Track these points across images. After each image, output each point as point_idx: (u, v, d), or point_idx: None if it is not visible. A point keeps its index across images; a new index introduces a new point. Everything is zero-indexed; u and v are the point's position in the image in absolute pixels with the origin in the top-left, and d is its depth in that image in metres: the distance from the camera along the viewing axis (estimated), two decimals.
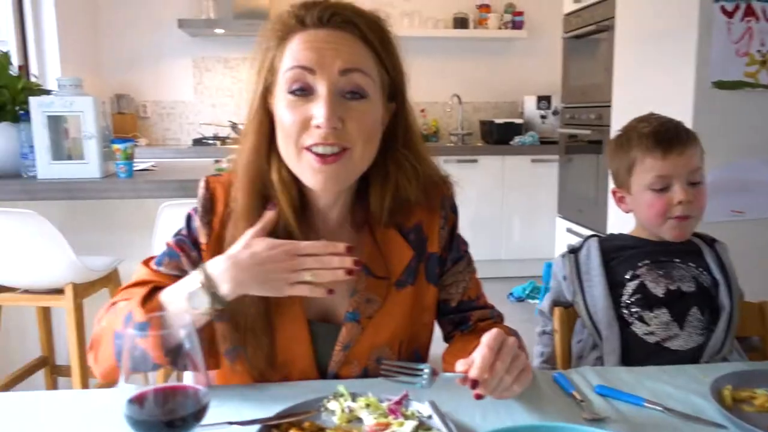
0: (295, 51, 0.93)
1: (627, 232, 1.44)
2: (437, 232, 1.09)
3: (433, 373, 0.90)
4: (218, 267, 0.89)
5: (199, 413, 0.63)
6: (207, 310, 0.88)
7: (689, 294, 1.29)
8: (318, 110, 0.90)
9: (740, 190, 2.33)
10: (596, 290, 1.32)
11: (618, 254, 1.36)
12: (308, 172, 0.93)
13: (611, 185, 1.45)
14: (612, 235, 1.46)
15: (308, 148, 0.92)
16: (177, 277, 0.98)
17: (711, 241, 1.39)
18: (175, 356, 0.65)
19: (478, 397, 0.83)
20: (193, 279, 0.90)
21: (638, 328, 1.29)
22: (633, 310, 1.30)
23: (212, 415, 0.86)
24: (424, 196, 1.06)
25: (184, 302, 0.88)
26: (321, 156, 0.91)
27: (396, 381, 0.91)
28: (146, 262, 1.05)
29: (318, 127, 0.90)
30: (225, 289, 0.88)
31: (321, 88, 0.91)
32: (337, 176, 0.93)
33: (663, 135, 1.31)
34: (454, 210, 1.12)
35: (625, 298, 1.31)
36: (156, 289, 0.95)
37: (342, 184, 0.97)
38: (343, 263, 0.89)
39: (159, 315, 0.82)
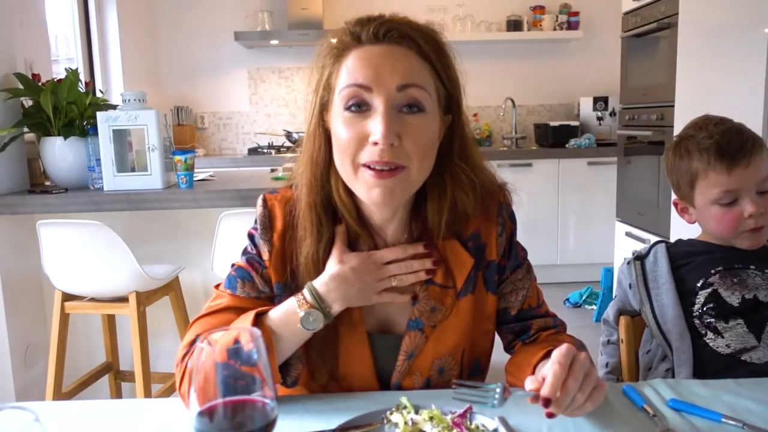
0: (351, 69, 0.92)
1: (695, 237, 1.37)
2: (495, 239, 1.07)
3: (504, 391, 0.87)
4: (326, 286, 0.96)
5: (267, 427, 0.63)
6: (318, 329, 0.94)
7: (766, 304, 1.22)
8: (375, 126, 0.89)
9: None
10: (665, 299, 1.27)
11: (688, 261, 1.30)
12: (364, 187, 0.93)
13: (672, 192, 1.38)
14: (680, 240, 1.38)
15: (365, 165, 0.91)
16: (255, 299, 1.02)
17: None
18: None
19: (550, 416, 0.80)
20: (301, 301, 0.96)
21: (711, 340, 1.23)
22: (706, 320, 1.24)
23: (276, 428, 0.87)
24: (481, 207, 1.05)
25: (295, 325, 0.94)
26: (378, 171, 0.90)
27: (469, 402, 0.89)
28: (218, 288, 1.07)
29: (375, 143, 0.89)
30: (337, 306, 0.96)
31: (378, 104, 0.90)
32: (392, 191, 0.92)
33: (726, 148, 1.22)
34: (511, 217, 1.10)
35: (696, 307, 1.25)
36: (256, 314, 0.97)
37: (398, 199, 0.95)
38: (423, 264, 0.99)
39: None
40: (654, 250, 1.34)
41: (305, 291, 0.96)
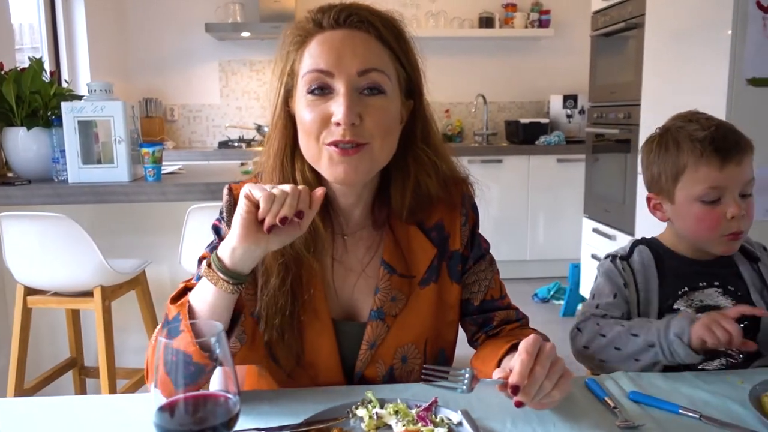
0: (314, 54, 0.94)
1: (658, 237, 1.33)
2: (458, 229, 1.09)
3: (473, 379, 0.89)
4: (223, 245, 0.88)
5: (230, 422, 0.62)
6: (229, 288, 0.87)
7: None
8: (337, 108, 0.92)
9: None
10: (651, 306, 1.24)
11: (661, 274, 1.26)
12: (329, 164, 0.94)
13: (640, 184, 1.34)
14: (653, 240, 1.33)
15: (329, 144, 0.93)
16: None
17: (753, 258, 1.28)
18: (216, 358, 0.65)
19: (519, 404, 0.82)
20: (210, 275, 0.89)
21: None
22: None
23: (240, 422, 0.86)
24: (445, 193, 1.07)
25: (206, 286, 0.88)
26: (341, 148, 0.93)
27: (437, 386, 0.90)
28: (187, 282, 1.05)
29: (338, 124, 0.92)
30: (229, 261, 0.86)
31: (339, 87, 0.93)
32: (357, 167, 0.94)
33: (721, 142, 1.17)
34: (474, 209, 1.13)
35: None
36: (187, 289, 0.95)
37: (362, 176, 0.97)
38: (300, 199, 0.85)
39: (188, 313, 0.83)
40: (638, 252, 1.29)
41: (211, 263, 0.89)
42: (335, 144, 0.92)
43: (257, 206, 0.84)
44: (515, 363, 0.82)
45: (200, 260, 1.04)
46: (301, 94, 0.95)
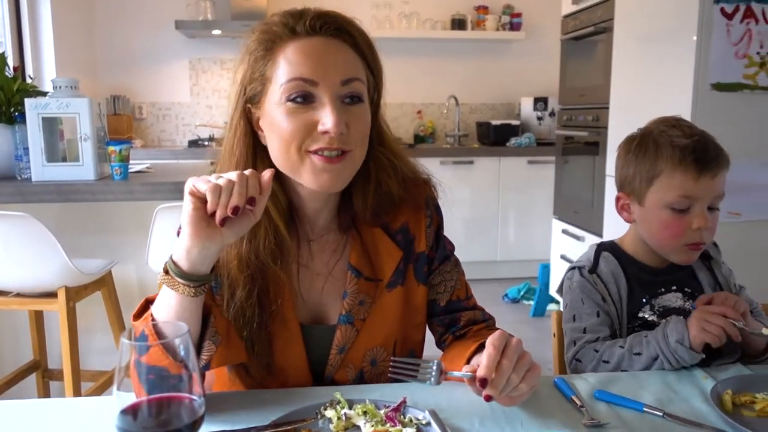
0: (293, 62, 0.92)
1: (618, 241, 1.35)
2: (423, 230, 1.10)
3: (441, 374, 0.89)
4: (176, 248, 0.86)
5: (194, 424, 0.61)
6: (191, 291, 0.84)
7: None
8: (326, 118, 0.90)
9: (737, 192, 2.32)
10: (622, 316, 1.26)
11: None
12: (311, 173, 0.93)
13: (608, 187, 1.35)
14: (613, 244, 1.34)
15: (313, 152, 0.92)
16: None
17: (705, 256, 1.31)
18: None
19: (488, 398, 0.83)
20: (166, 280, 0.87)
21: None
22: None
23: (207, 424, 0.85)
24: (407, 195, 1.08)
25: (167, 294, 0.86)
26: (327, 157, 0.92)
27: (405, 379, 0.91)
28: (148, 297, 1.03)
29: (325, 132, 0.91)
30: (185, 264, 0.84)
31: (324, 96, 0.92)
32: (340, 175, 0.95)
33: (701, 153, 1.18)
34: (438, 211, 1.13)
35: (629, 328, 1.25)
36: (149, 302, 0.93)
37: (344, 182, 0.97)
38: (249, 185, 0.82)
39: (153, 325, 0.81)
40: (604, 260, 1.29)
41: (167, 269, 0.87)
42: (319, 152, 0.92)
43: (205, 201, 0.80)
44: (483, 357, 0.83)
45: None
46: (278, 101, 0.93)
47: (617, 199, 1.32)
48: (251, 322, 0.99)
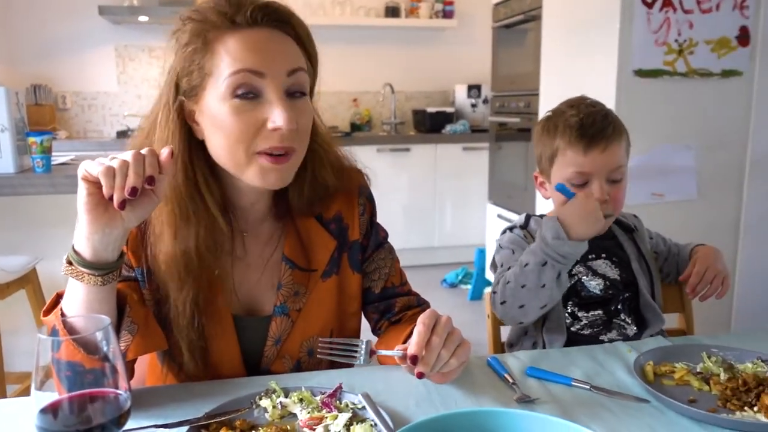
0: (237, 53, 0.89)
1: (547, 215, 1.39)
2: (357, 219, 1.10)
3: (371, 352, 0.90)
4: (76, 237, 0.82)
5: (120, 419, 0.59)
6: (99, 280, 0.81)
7: (617, 294, 1.31)
8: (276, 115, 0.88)
9: (660, 174, 2.43)
10: None
11: None
12: (258, 174, 0.91)
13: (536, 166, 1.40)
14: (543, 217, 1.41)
15: (262, 152, 0.90)
16: (124, 281, 0.95)
17: (629, 229, 1.40)
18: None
19: (420, 375, 0.84)
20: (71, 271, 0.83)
21: (572, 324, 1.31)
22: (569, 308, 1.31)
23: (138, 419, 0.83)
24: (340, 185, 1.07)
25: (75, 286, 0.82)
26: (275, 157, 0.90)
27: (334, 359, 0.91)
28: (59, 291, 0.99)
29: (276, 129, 0.88)
30: (88, 253, 0.81)
31: (270, 90, 0.89)
32: (288, 173, 0.94)
33: (587, 129, 1.24)
34: (371, 199, 1.14)
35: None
36: (60, 297, 0.89)
37: (288, 180, 0.96)
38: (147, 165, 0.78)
39: (66, 320, 0.78)
40: (534, 221, 1.36)
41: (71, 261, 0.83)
42: (268, 152, 0.90)
43: (99, 185, 0.76)
44: (413, 334, 0.84)
45: None
46: (222, 97, 0.89)
47: (535, 178, 1.40)
48: (184, 317, 0.97)
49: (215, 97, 0.89)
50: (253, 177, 0.92)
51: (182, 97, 0.93)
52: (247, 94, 0.89)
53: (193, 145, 0.95)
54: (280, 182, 0.94)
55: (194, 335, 0.98)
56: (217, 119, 0.90)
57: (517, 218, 1.41)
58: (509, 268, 1.26)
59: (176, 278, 0.95)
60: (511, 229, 1.37)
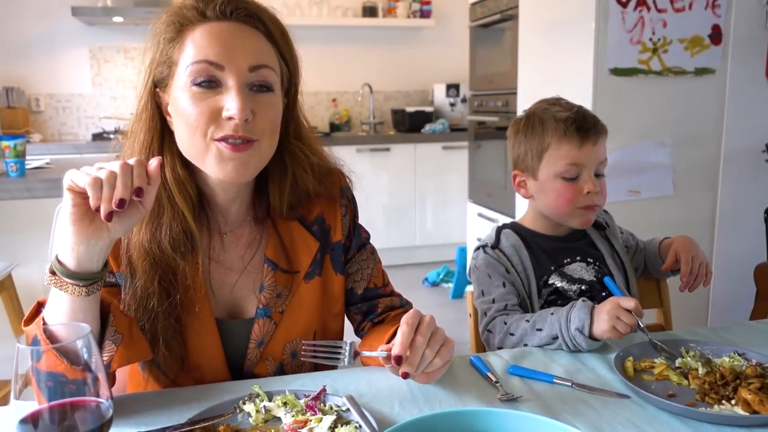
0: (200, 44, 0.90)
1: (519, 221, 1.42)
2: (339, 220, 1.10)
3: (355, 355, 0.90)
4: (61, 247, 0.81)
5: (102, 427, 0.59)
6: (83, 291, 0.80)
7: (595, 295, 1.32)
8: (230, 103, 0.88)
9: (636, 171, 2.46)
10: (531, 284, 1.31)
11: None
12: (217, 161, 0.91)
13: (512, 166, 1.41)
14: (515, 224, 1.42)
15: (218, 140, 0.90)
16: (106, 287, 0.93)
17: (600, 227, 1.42)
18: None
19: (405, 375, 0.84)
20: (53, 280, 0.82)
21: None
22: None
23: (120, 426, 0.82)
24: (322, 187, 1.07)
25: (58, 296, 0.81)
26: (232, 144, 0.90)
27: (318, 361, 0.91)
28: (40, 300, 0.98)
29: (230, 118, 0.88)
30: (72, 263, 0.80)
31: (230, 81, 0.90)
32: (247, 164, 0.92)
33: (582, 122, 1.29)
34: (352, 200, 1.14)
35: (542, 301, 1.32)
36: (41, 306, 0.88)
37: (252, 173, 0.95)
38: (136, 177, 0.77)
39: (46, 329, 0.77)
40: (505, 236, 1.36)
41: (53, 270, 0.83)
42: (225, 139, 0.89)
43: (86, 195, 0.75)
44: (397, 335, 0.84)
45: None
46: (184, 86, 0.90)
47: (514, 177, 1.40)
48: (155, 312, 0.95)
49: (179, 87, 0.91)
50: (212, 166, 0.91)
51: (156, 88, 0.95)
52: (205, 82, 0.89)
53: (165, 137, 0.96)
54: (238, 172, 0.91)
55: (172, 333, 0.97)
56: (178, 107, 0.91)
57: (487, 235, 1.41)
58: (505, 307, 1.26)
59: (144, 268, 0.95)
60: (483, 248, 1.36)
